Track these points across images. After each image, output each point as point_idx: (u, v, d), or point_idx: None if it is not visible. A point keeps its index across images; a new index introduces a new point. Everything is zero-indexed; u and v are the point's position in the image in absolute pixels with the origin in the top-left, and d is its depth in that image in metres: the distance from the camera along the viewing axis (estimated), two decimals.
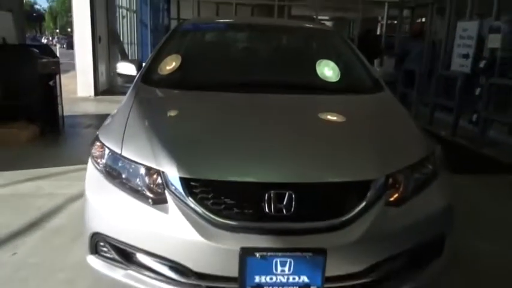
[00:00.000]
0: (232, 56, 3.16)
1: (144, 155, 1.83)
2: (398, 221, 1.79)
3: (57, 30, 50.57)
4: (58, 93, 5.73)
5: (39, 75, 5.29)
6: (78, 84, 9.27)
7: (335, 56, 3.07)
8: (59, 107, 5.75)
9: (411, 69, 7.41)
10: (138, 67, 2.97)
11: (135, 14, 12.67)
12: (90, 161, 2.03)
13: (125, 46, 11.43)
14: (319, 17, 13.17)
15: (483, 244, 2.86)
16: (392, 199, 1.81)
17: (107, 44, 10.02)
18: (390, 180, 1.81)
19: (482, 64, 6.02)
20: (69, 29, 43.85)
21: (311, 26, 3.58)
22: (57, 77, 5.72)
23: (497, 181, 4.34)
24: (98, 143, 2.02)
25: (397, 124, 2.28)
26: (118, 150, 1.90)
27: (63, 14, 52.00)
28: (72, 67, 10.71)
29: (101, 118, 6.77)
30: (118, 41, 10.70)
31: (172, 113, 2.27)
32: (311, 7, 11.60)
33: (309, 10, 12.51)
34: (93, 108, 8.02)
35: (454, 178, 4.17)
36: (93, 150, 2.04)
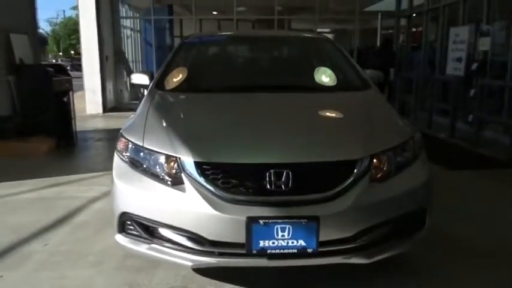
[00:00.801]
0: (235, 63, 3.60)
1: (162, 145, 2.20)
2: (381, 195, 2.13)
3: (60, 53, 51.78)
4: (71, 108, 6.17)
5: (55, 93, 5.74)
6: (87, 103, 9.75)
7: (327, 60, 3.49)
8: (73, 121, 6.18)
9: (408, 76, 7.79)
10: (150, 77, 3.37)
11: (139, 34, 13.25)
12: (115, 154, 2.41)
13: (130, 64, 11.95)
14: (321, 30, 13.71)
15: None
16: (376, 176, 2.17)
17: (114, 63, 10.55)
18: (375, 160, 2.17)
19: (474, 66, 6.39)
20: (72, 52, 44.94)
21: (305, 34, 4.02)
22: (71, 93, 6.18)
23: (489, 174, 4.65)
24: (122, 139, 2.41)
25: (381, 114, 2.65)
26: (140, 143, 2.28)
27: (66, 37, 53.26)
28: (78, 87, 11.20)
29: (111, 132, 7.32)
30: (124, 60, 11.24)
31: (184, 111, 2.66)
32: (310, 21, 12.10)
33: (308, 24, 13.02)
34: (103, 124, 8.48)
35: (452, 175, 4.52)
36: (118, 145, 2.42)
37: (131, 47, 12.57)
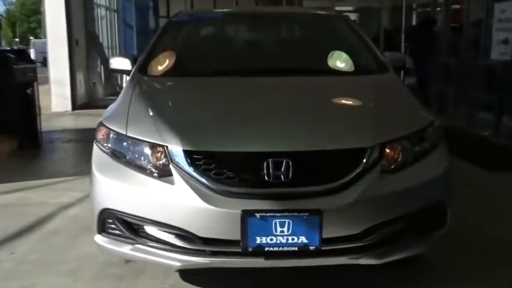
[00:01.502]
0: (231, 45, 3.93)
1: (148, 133, 2.50)
2: (393, 187, 2.40)
3: (17, 39, 52.23)
4: (36, 103, 6.48)
5: (17, 83, 6.05)
6: (53, 98, 10.01)
7: (340, 40, 3.81)
8: (38, 118, 6.50)
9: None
10: (133, 62, 3.65)
11: (116, 14, 13.65)
12: (94, 146, 2.70)
13: (106, 51, 12.32)
14: (340, 8, 14.02)
15: None
16: (388, 166, 2.44)
17: (85, 49, 10.90)
18: (386, 148, 2.45)
19: None
20: (31, 38, 45.50)
21: (315, 11, 4.33)
22: (35, 84, 6.50)
23: None
24: (102, 128, 2.70)
25: (396, 100, 2.94)
26: (123, 132, 2.57)
27: (23, 19, 53.76)
28: (41, 81, 11.48)
29: (82, 133, 7.65)
30: (98, 45, 11.60)
31: (172, 96, 2.97)
32: None
33: (323, 0, 13.36)
34: (72, 123, 8.82)
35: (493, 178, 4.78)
36: (97, 136, 2.71)
37: (107, 29, 12.97)
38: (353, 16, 17.40)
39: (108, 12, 13.26)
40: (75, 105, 10.18)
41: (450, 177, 2.64)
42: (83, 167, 4.56)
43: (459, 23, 9.98)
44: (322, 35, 3.93)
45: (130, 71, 3.52)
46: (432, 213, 2.56)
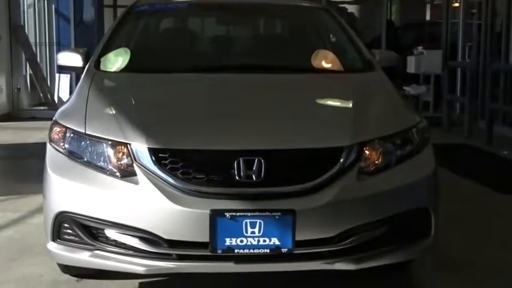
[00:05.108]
0: (196, 37, 4.62)
1: (109, 131, 3.10)
2: (371, 189, 3.04)
3: None
4: None
5: None
6: None
7: (322, 35, 4.55)
8: None
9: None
10: (85, 57, 4.24)
11: (46, 2, 14.13)
12: (48, 146, 3.29)
13: (34, 48, 12.78)
14: None
15: None
16: (367, 167, 3.09)
17: (9, 46, 11.40)
18: (366, 148, 3.09)
19: None
20: None
21: (295, 3, 5.07)
22: None
23: None
24: (57, 127, 3.30)
25: (380, 99, 3.63)
26: (81, 130, 3.16)
27: None
28: None
29: (7, 150, 7.98)
30: (24, 41, 12.09)
31: (134, 92, 3.60)
32: None
33: None
34: None
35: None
36: (51, 136, 3.30)
37: (35, 21, 13.45)
38: (352, 8, 18.19)
39: (37, 0, 13.76)
40: None
41: (434, 183, 3.29)
42: (13, 186, 5.21)
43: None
44: (301, 29, 4.64)
45: (82, 68, 4.10)
46: (414, 221, 3.19)
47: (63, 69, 4.36)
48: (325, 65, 4.17)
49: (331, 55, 4.22)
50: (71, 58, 4.29)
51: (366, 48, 4.35)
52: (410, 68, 11.28)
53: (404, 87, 11.83)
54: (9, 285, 3.60)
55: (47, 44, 13.85)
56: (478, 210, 5.31)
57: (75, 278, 3.59)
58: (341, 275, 3.25)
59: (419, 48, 11.43)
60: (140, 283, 3.54)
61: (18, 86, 11.84)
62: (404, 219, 3.15)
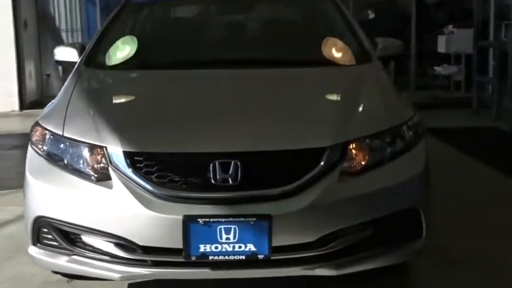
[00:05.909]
0: (185, 32, 4.52)
1: (86, 133, 3.06)
2: (354, 192, 2.92)
3: None
4: None
5: None
6: None
7: (318, 25, 4.39)
8: None
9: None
10: (81, 52, 4.21)
11: None
12: (29, 148, 3.28)
13: (63, 35, 12.90)
14: None
15: None
16: (351, 168, 2.97)
17: (37, 33, 11.51)
18: (350, 148, 2.97)
19: None
20: None
21: None
22: None
23: None
24: (38, 128, 3.27)
25: (370, 94, 3.49)
26: (59, 132, 3.13)
27: None
28: None
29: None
30: (53, 28, 12.19)
31: (115, 92, 3.57)
32: None
33: None
34: (19, 125, 9.37)
35: None
36: (32, 137, 3.29)
37: (65, 8, 13.53)
38: None
39: None
40: (23, 104, 10.78)
41: (425, 183, 3.16)
42: None
43: None
44: (295, 19, 4.51)
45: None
46: (403, 222, 3.07)
47: (60, 64, 4.31)
48: (312, 53, 4.03)
49: (327, 46, 4.06)
50: (67, 53, 4.27)
51: (366, 38, 4.19)
52: (441, 48, 10.99)
53: (435, 67, 11.59)
54: (0, 285, 3.60)
55: (77, 30, 13.91)
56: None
57: (66, 279, 3.57)
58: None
59: (450, 27, 11.11)
60: (129, 284, 3.49)
61: (48, 73, 12.01)
62: (392, 220, 3.04)
